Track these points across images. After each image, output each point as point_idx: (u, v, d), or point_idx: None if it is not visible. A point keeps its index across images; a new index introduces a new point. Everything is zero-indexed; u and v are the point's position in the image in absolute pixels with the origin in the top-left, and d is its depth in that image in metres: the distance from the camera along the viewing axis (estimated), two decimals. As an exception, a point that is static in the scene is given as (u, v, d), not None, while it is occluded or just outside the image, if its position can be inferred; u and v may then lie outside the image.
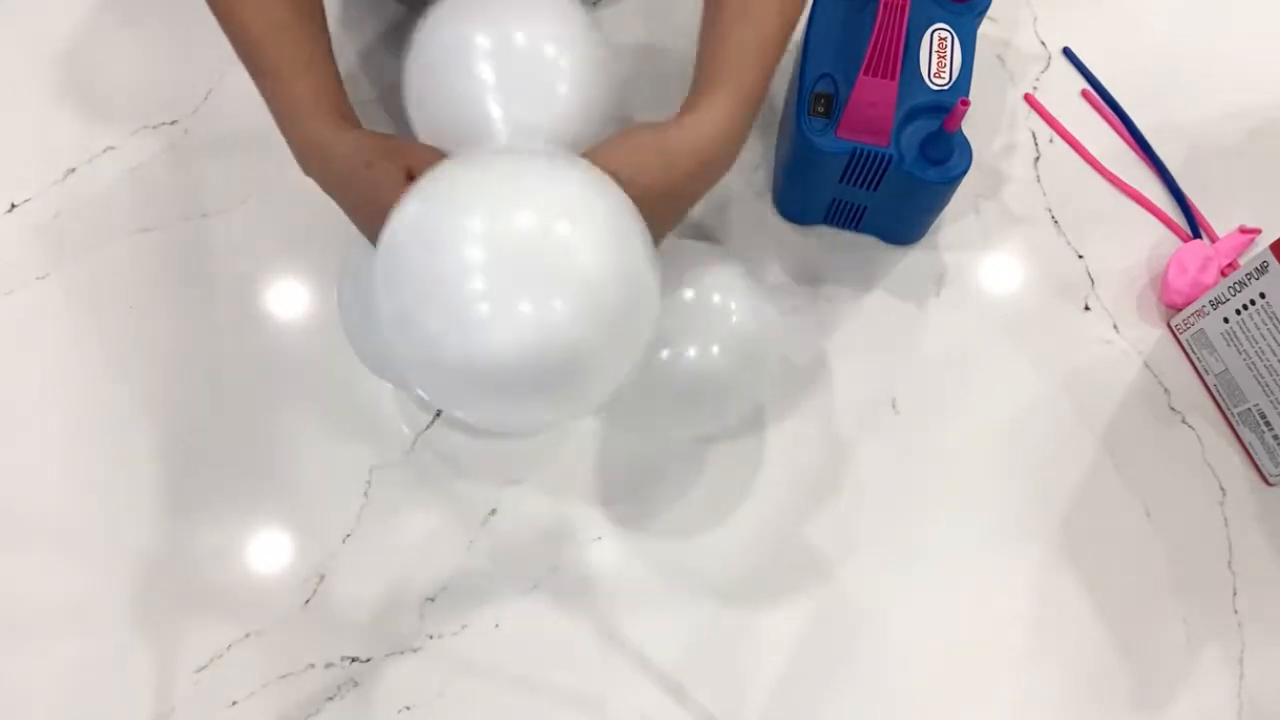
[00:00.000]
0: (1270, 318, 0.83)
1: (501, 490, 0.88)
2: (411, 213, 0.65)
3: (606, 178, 0.66)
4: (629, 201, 0.66)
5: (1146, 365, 0.94)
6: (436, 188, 0.65)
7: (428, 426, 0.90)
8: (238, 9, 0.74)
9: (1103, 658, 0.86)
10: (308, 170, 0.74)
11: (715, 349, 0.77)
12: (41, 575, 0.85)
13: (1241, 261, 0.96)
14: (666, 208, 0.70)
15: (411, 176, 0.69)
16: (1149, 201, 0.99)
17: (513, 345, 0.61)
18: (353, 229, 0.74)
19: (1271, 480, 0.90)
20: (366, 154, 0.71)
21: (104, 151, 0.97)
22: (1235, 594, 0.88)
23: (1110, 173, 1.00)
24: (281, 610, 0.85)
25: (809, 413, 0.91)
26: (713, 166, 0.71)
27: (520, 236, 0.62)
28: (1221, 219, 0.98)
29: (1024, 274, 0.97)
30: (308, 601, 0.85)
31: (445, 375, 0.64)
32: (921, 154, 0.85)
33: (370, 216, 0.70)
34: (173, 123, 0.98)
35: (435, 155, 0.72)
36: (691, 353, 0.76)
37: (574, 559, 0.87)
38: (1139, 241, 0.98)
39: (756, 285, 0.81)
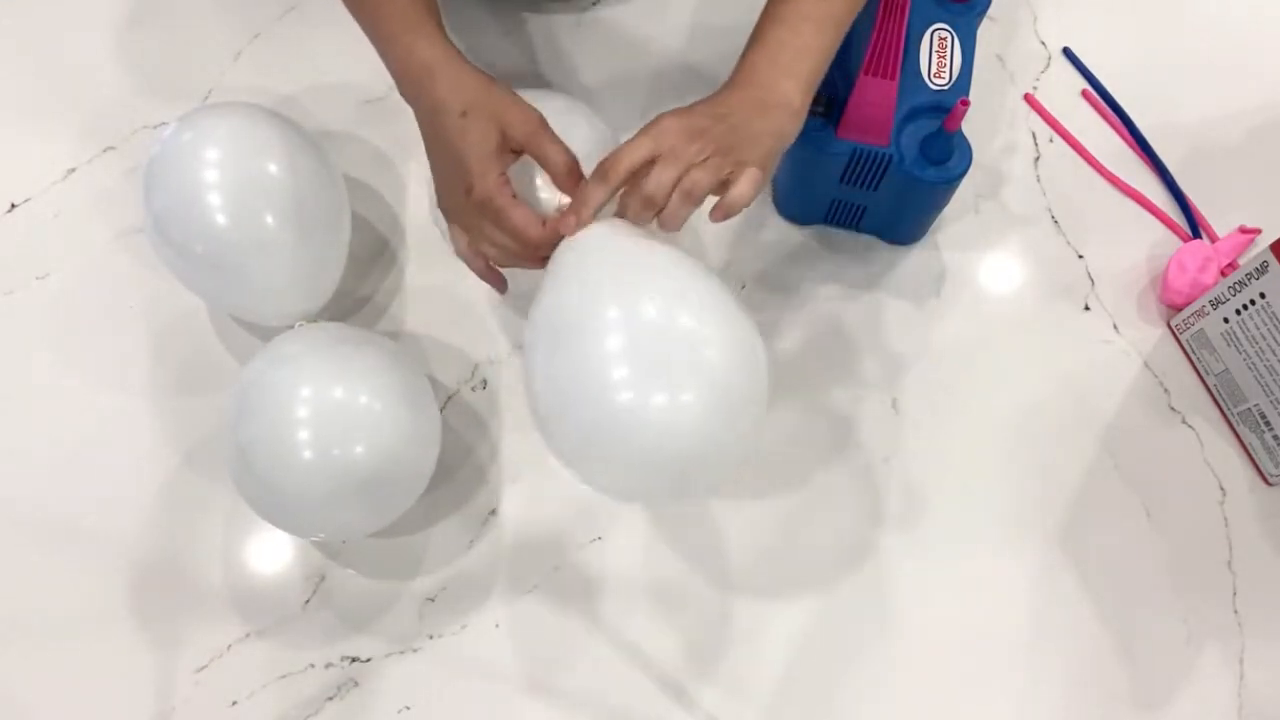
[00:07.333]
0: (1270, 318, 0.83)
1: (501, 490, 0.88)
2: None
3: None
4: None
5: (1146, 365, 0.94)
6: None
7: (428, 426, 0.90)
8: None
9: (1103, 657, 0.86)
10: (403, 91, 0.76)
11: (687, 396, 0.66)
12: (42, 576, 0.85)
13: (1241, 261, 0.96)
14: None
15: (504, 139, 0.71)
16: (1149, 201, 0.99)
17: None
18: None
19: (1271, 480, 0.90)
20: (465, 97, 0.72)
21: (104, 151, 0.97)
22: (1235, 594, 0.88)
23: (1110, 173, 1.00)
24: (281, 610, 0.85)
25: (809, 412, 0.91)
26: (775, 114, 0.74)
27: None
28: (1221, 219, 0.98)
29: (1024, 274, 0.97)
30: (308, 601, 0.85)
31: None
32: (921, 154, 0.85)
33: (448, 162, 0.73)
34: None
35: (530, 116, 0.73)
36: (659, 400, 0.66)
37: (574, 559, 0.87)
38: (1139, 241, 0.98)
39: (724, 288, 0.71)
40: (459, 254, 0.78)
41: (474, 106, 0.72)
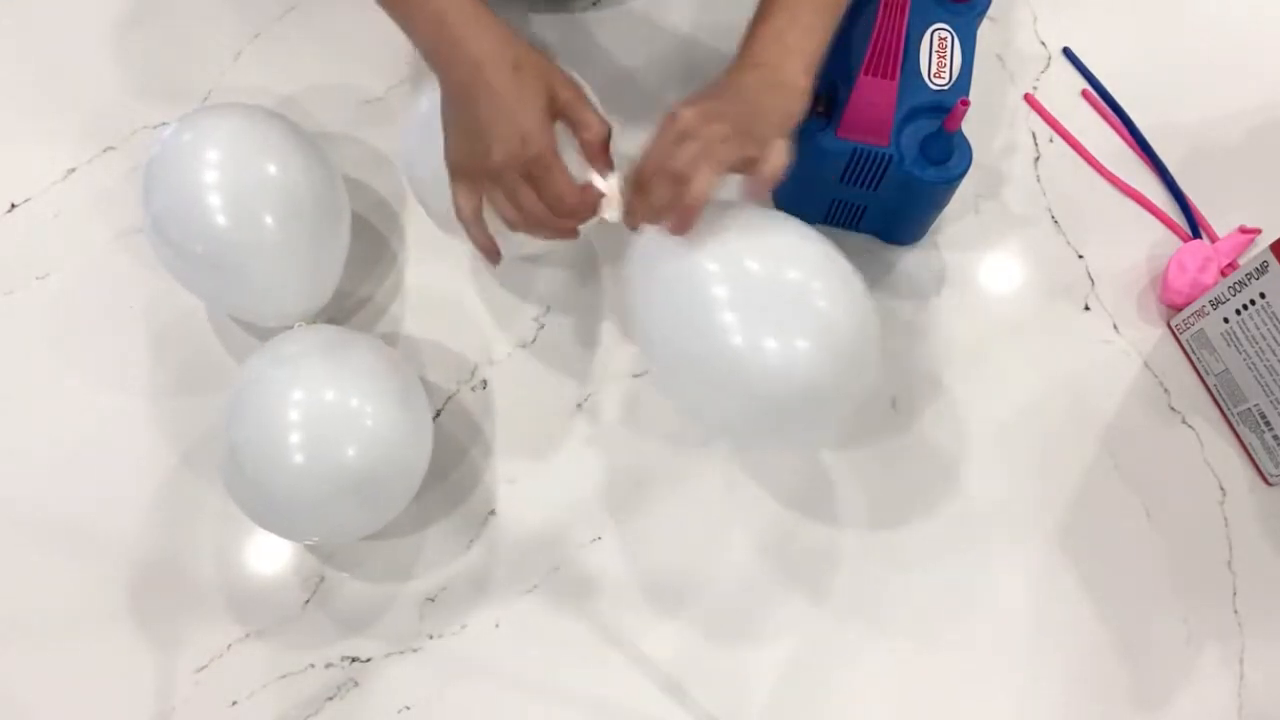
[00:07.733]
0: (1270, 318, 0.83)
1: (501, 490, 0.88)
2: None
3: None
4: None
5: (1146, 365, 0.94)
6: None
7: (428, 426, 0.90)
8: None
9: (1103, 657, 0.86)
10: (437, 45, 0.72)
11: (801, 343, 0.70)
12: (42, 576, 0.85)
13: (1241, 261, 0.96)
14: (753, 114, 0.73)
15: (550, 99, 0.71)
16: (1149, 201, 0.99)
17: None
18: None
19: (1271, 480, 0.90)
20: (517, 52, 0.71)
21: (104, 151, 0.97)
22: (1235, 594, 0.88)
23: (1110, 173, 1.00)
24: (281, 610, 0.85)
25: (809, 413, 0.91)
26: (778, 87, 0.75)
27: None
28: (1221, 219, 0.98)
29: (1024, 274, 0.97)
30: (308, 601, 0.85)
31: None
32: (921, 154, 0.85)
33: (492, 116, 0.70)
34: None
35: (572, 81, 0.73)
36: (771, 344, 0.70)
37: (574, 559, 0.87)
38: (1139, 241, 0.98)
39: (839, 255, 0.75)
40: (461, 216, 0.75)
41: (526, 62, 0.71)
